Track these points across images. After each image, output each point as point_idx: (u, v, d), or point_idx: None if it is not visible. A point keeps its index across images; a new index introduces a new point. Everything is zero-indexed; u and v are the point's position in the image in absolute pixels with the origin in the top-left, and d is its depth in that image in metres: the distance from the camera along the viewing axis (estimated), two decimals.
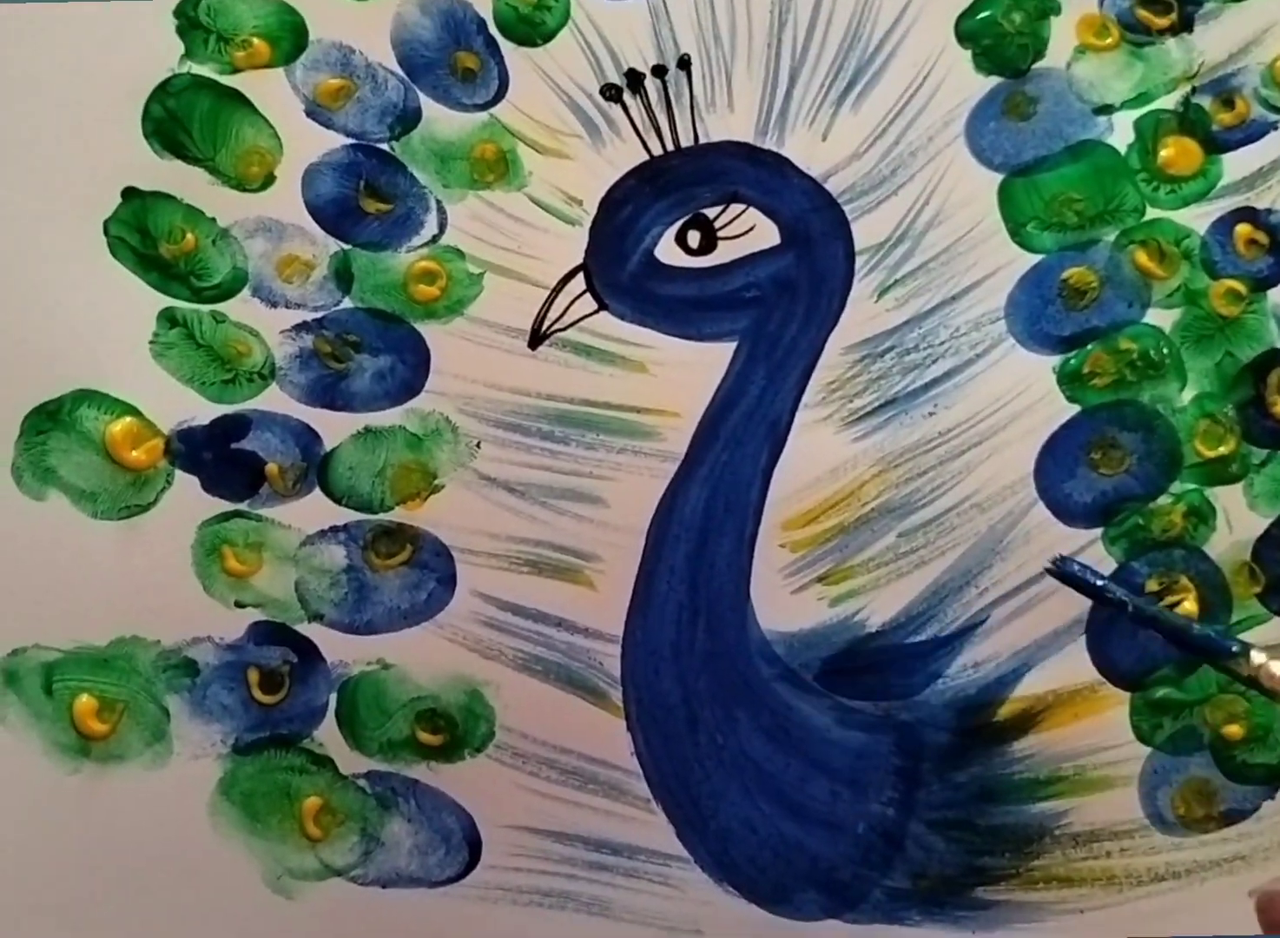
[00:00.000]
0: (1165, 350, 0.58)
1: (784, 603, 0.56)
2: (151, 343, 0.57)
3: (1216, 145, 0.60)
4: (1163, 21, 0.60)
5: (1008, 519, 0.57)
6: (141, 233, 0.56)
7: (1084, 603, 0.56)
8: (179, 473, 0.56)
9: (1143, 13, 0.59)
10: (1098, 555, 0.57)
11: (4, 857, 0.55)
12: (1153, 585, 0.56)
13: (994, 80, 0.59)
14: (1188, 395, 0.58)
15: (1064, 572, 0.53)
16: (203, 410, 0.57)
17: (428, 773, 0.56)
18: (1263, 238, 0.59)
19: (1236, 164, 0.60)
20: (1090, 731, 0.57)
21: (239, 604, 0.55)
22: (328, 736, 0.56)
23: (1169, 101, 0.59)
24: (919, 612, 0.56)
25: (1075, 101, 0.59)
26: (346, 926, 0.55)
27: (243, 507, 0.56)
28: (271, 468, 0.55)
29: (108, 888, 0.55)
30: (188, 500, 0.56)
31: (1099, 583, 0.52)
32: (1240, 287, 0.58)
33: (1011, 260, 0.59)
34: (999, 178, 0.59)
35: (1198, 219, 0.60)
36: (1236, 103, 0.60)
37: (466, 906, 0.55)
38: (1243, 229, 0.59)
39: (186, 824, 0.55)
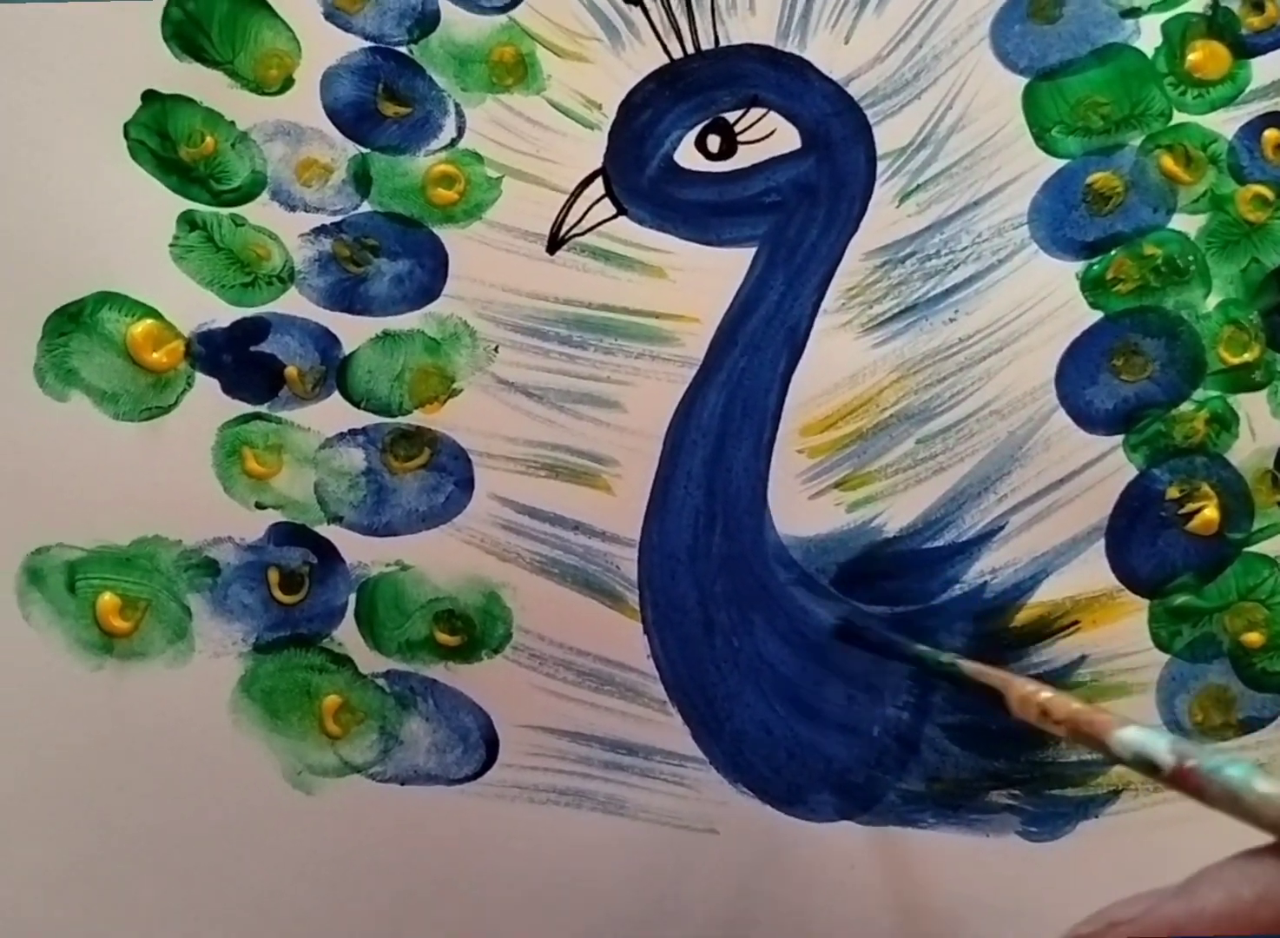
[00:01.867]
0: (1190, 256, 0.57)
1: (801, 508, 0.56)
2: (172, 246, 0.56)
3: (1245, 49, 0.59)
4: None
5: (1027, 426, 0.56)
6: (161, 136, 0.56)
7: (1104, 509, 0.55)
8: (199, 375, 0.56)
9: None
10: (1119, 462, 0.56)
11: (29, 753, 0.55)
12: (1173, 492, 0.56)
13: None
14: (1212, 302, 0.58)
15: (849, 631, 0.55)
16: (223, 313, 0.57)
17: (446, 673, 0.56)
18: None
19: (1266, 68, 0.58)
20: (1108, 637, 0.56)
21: (259, 505, 0.56)
22: (347, 635, 0.56)
23: (1197, 4, 0.58)
24: (937, 518, 0.56)
25: (1102, 4, 0.58)
26: (365, 821, 0.56)
27: (262, 409, 0.56)
28: (291, 371, 0.55)
29: (130, 783, 0.56)
30: (208, 402, 0.56)
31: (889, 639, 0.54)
32: (1268, 192, 0.58)
33: (1035, 165, 0.58)
34: (1024, 81, 0.58)
35: (1225, 124, 0.59)
36: (1266, 6, 0.59)
37: (483, 803, 0.56)
38: (1271, 134, 0.58)
39: (208, 721, 0.56)
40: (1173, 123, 0.59)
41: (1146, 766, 0.36)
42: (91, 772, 0.56)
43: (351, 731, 0.56)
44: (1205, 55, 0.59)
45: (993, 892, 0.56)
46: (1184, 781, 0.35)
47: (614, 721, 0.56)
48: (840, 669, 0.55)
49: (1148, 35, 0.58)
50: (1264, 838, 0.32)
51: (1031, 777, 0.56)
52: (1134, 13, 0.58)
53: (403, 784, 0.57)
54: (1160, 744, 0.36)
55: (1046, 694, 0.42)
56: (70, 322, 0.56)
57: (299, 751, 0.56)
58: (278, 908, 0.56)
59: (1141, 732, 0.37)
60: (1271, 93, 0.58)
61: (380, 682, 0.56)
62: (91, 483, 0.56)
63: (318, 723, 0.56)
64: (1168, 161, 0.57)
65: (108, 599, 0.55)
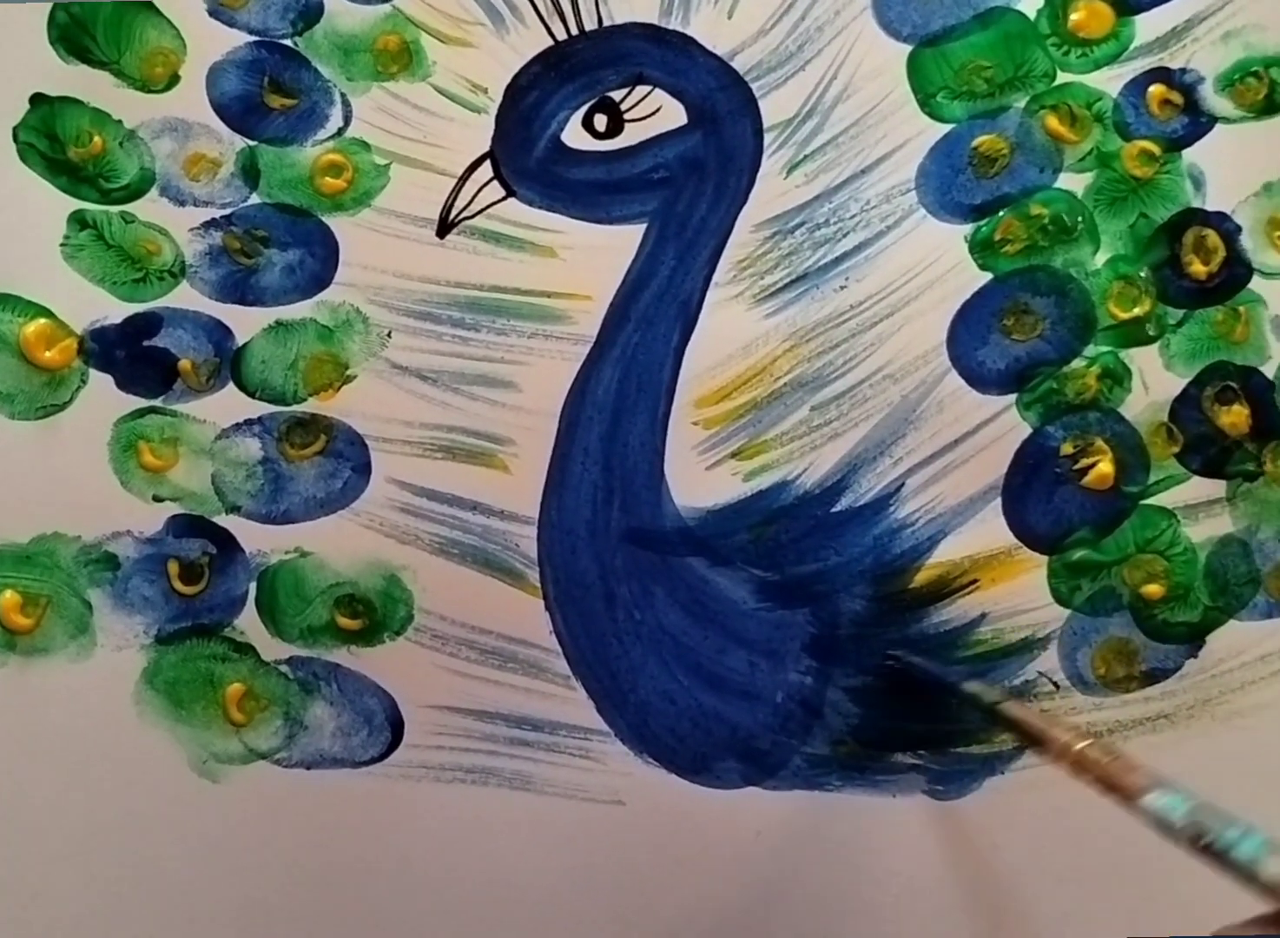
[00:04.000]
0: (1078, 214, 0.57)
1: (699, 480, 0.57)
2: (62, 245, 0.57)
3: (1128, 7, 0.59)
4: None
5: (921, 389, 0.57)
6: (50, 138, 0.57)
7: (999, 469, 0.56)
8: (93, 372, 0.57)
9: None
10: (1012, 421, 0.57)
11: None
12: (1068, 449, 0.56)
13: None
14: (1101, 258, 0.58)
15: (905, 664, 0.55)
16: (115, 310, 0.57)
17: (348, 657, 0.56)
18: (1177, 97, 0.59)
19: (1149, 25, 0.59)
20: (1008, 594, 0.57)
21: (157, 498, 0.56)
22: (248, 623, 0.57)
23: None
24: (833, 483, 0.57)
25: None
26: (272, 807, 0.56)
27: (157, 403, 0.57)
28: (185, 364, 0.56)
29: (37, 778, 0.56)
30: (103, 398, 0.57)
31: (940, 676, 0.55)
32: (1154, 147, 0.58)
33: (921, 131, 0.59)
34: (907, 49, 0.58)
35: (1110, 82, 0.59)
36: None
37: (390, 784, 0.56)
38: (1156, 90, 0.59)
39: (112, 714, 0.56)
40: (1057, 83, 0.59)
41: (1167, 832, 0.39)
42: None
43: (256, 718, 0.56)
44: (1088, 14, 0.59)
45: (902, 852, 0.56)
46: (1200, 853, 0.37)
47: (518, 697, 0.57)
48: (741, 637, 0.56)
49: None
50: None
51: (936, 736, 0.56)
52: None
53: (309, 769, 0.57)
54: (1177, 814, 0.38)
55: (1082, 746, 0.44)
56: None
57: (204, 739, 0.56)
58: (188, 896, 0.56)
59: (1161, 798, 0.39)
60: (1156, 49, 0.59)
61: (283, 668, 0.56)
62: None
63: (222, 712, 0.57)
64: (1052, 121, 0.58)
65: (8, 597, 0.56)
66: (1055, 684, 0.55)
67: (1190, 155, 0.59)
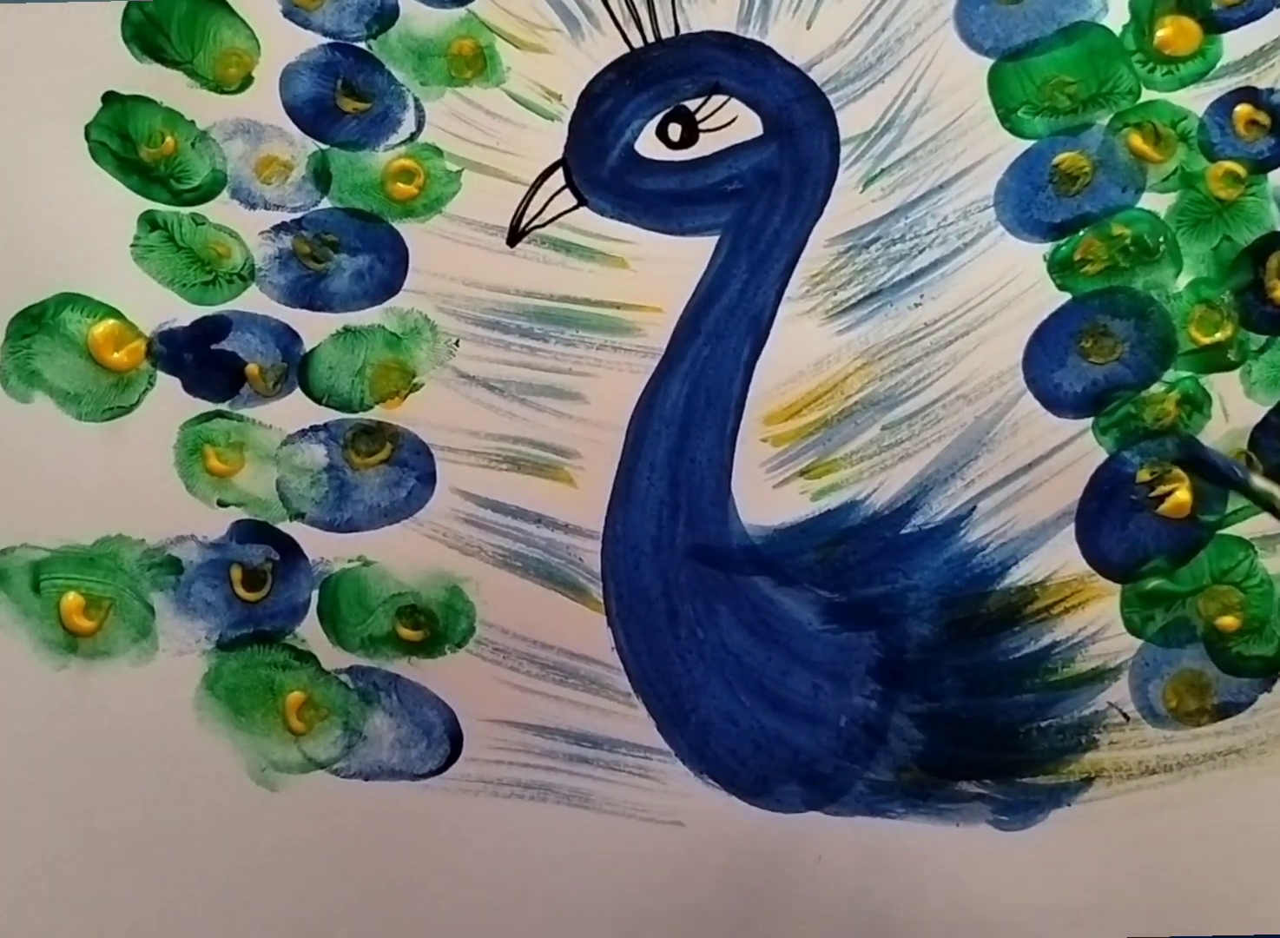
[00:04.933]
0: (1160, 235, 0.56)
1: (766, 497, 0.56)
2: (133, 246, 0.57)
3: (1216, 24, 0.58)
4: None
5: (995, 410, 0.56)
6: (122, 137, 0.57)
7: (1074, 494, 0.55)
8: (161, 374, 0.57)
9: None
10: (1088, 446, 0.56)
11: None
12: (1144, 475, 0.55)
13: None
14: (1183, 281, 0.57)
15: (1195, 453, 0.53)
16: (183, 312, 0.57)
17: (409, 668, 0.56)
18: (1264, 118, 0.58)
19: (1237, 43, 0.57)
20: (1079, 623, 0.56)
21: (221, 503, 0.56)
22: (310, 631, 0.56)
23: None
24: (903, 505, 0.56)
25: None
26: (329, 817, 0.56)
27: (224, 407, 0.56)
28: (252, 368, 0.56)
29: (95, 781, 0.56)
30: (170, 401, 0.57)
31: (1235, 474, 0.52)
32: (1239, 169, 0.57)
33: (1001, 147, 0.57)
34: (989, 62, 0.57)
35: (1196, 100, 0.58)
36: None
37: (448, 798, 0.56)
38: (1243, 110, 0.58)
39: (172, 719, 0.56)
40: (1141, 101, 0.58)
41: None
42: (57, 770, 0.56)
43: (315, 727, 0.56)
44: (1174, 31, 0.58)
45: (964, 881, 0.55)
46: None
47: (578, 714, 0.56)
48: (806, 658, 0.55)
49: (1115, 12, 0.57)
50: None
51: (1002, 765, 0.55)
52: None
53: (367, 780, 0.57)
54: None
55: None
56: (32, 323, 0.56)
57: (263, 747, 0.56)
58: (243, 903, 0.56)
59: None
60: (1243, 68, 0.58)
61: (343, 678, 0.56)
62: (55, 483, 0.56)
63: (281, 720, 0.56)
64: (1136, 140, 0.57)
65: (71, 599, 0.55)
66: (1125, 716, 0.54)
67: (1276, 177, 0.58)
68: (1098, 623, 0.56)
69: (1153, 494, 0.55)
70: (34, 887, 0.56)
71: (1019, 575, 0.56)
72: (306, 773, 0.56)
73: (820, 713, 0.55)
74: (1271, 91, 0.57)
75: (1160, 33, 0.57)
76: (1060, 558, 0.56)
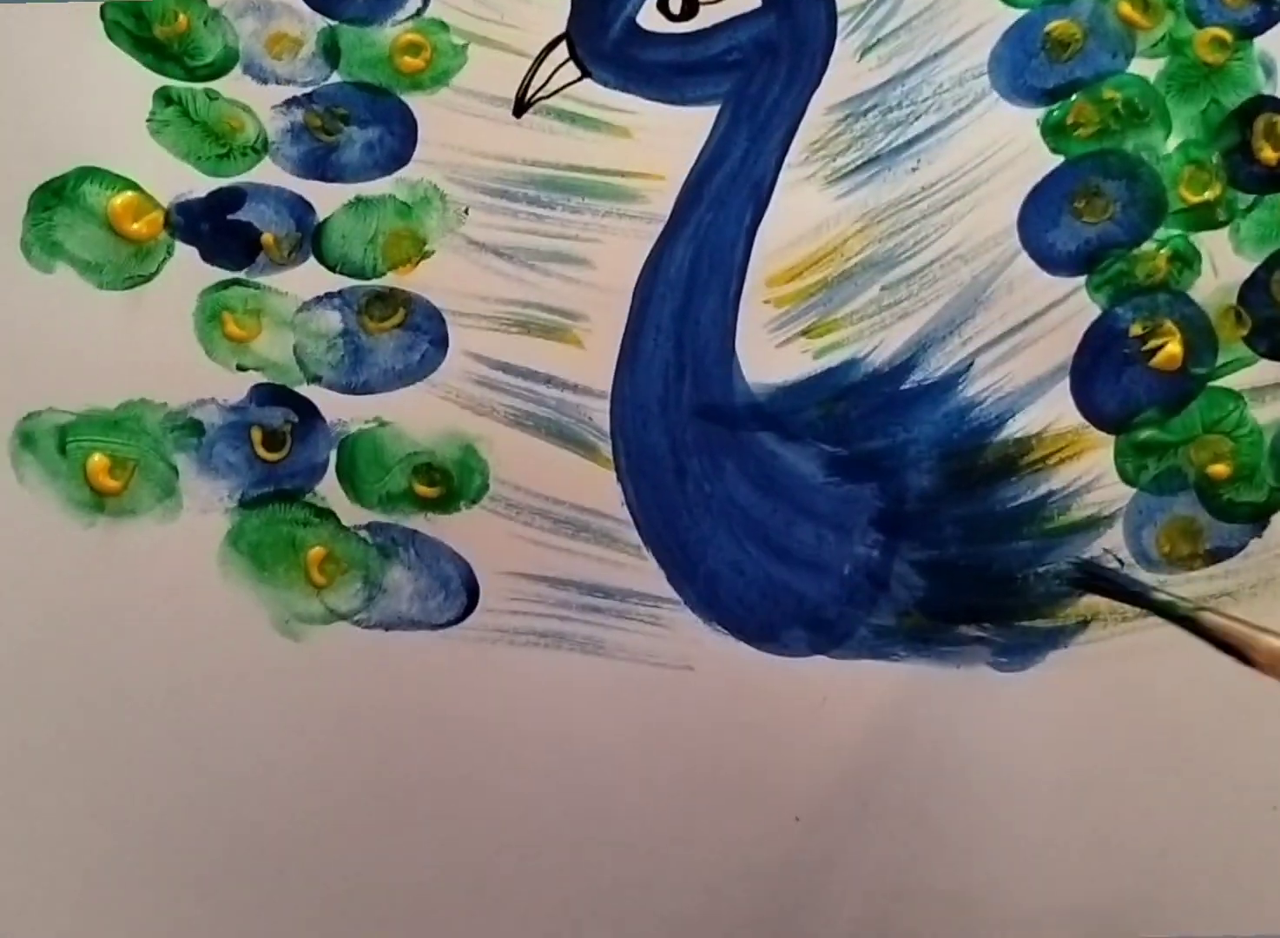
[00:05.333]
0: (1150, 98, 0.57)
1: (769, 357, 0.58)
2: (149, 121, 0.58)
3: None
4: None
5: (991, 269, 0.57)
6: (136, 15, 0.58)
7: (1068, 349, 0.56)
8: (179, 244, 0.58)
9: None
10: (1081, 303, 0.57)
11: (27, 607, 0.58)
12: (1136, 330, 0.57)
13: None
14: (1173, 143, 0.58)
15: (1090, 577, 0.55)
16: (200, 184, 0.58)
17: (426, 524, 0.58)
18: None
19: None
20: (1074, 473, 0.58)
21: (240, 367, 0.58)
22: (329, 490, 0.58)
23: None
24: (903, 362, 0.57)
25: None
26: (352, 666, 0.58)
27: (241, 275, 0.58)
28: (267, 238, 0.57)
29: (124, 635, 0.58)
30: (188, 270, 0.58)
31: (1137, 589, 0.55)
32: (1226, 34, 0.58)
33: (995, 16, 0.59)
34: None
35: None
36: None
37: (465, 646, 0.58)
38: None
39: (197, 574, 0.58)
40: None
41: None
42: (87, 626, 0.58)
43: (336, 580, 0.58)
44: None
45: (964, 722, 0.57)
46: None
47: (590, 566, 0.58)
48: (810, 510, 0.57)
49: None
50: None
51: (1001, 609, 0.57)
52: None
53: (387, 630, 0.58)
54: None
55: None
56: (53, 196, 0.57)
57: (286, 600, 0.58)
58: (269, 754, 0.58)
59: None
60: None
61: (363, 533, 0.58)
62: (79, 350, 0.58)
63: (303, 574, 0.58)
64: (1125, 7, 0.58)
65: (98, 460, 0.57)
66: (1120, 561, 0.56)
67: (1262, 43, 0.59)
68: (1092, 473, 0.57)
69: (1145, 348, 0.57)
70: (65, 741, 0.58)
71: (1015, 428, 0.58)
72: (329, 624, 0.58)
73: (824, 562, 0.57)
74: None
75: None
76: (1055, 411, 0.58)
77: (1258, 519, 0.58)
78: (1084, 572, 0.54)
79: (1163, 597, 0.53)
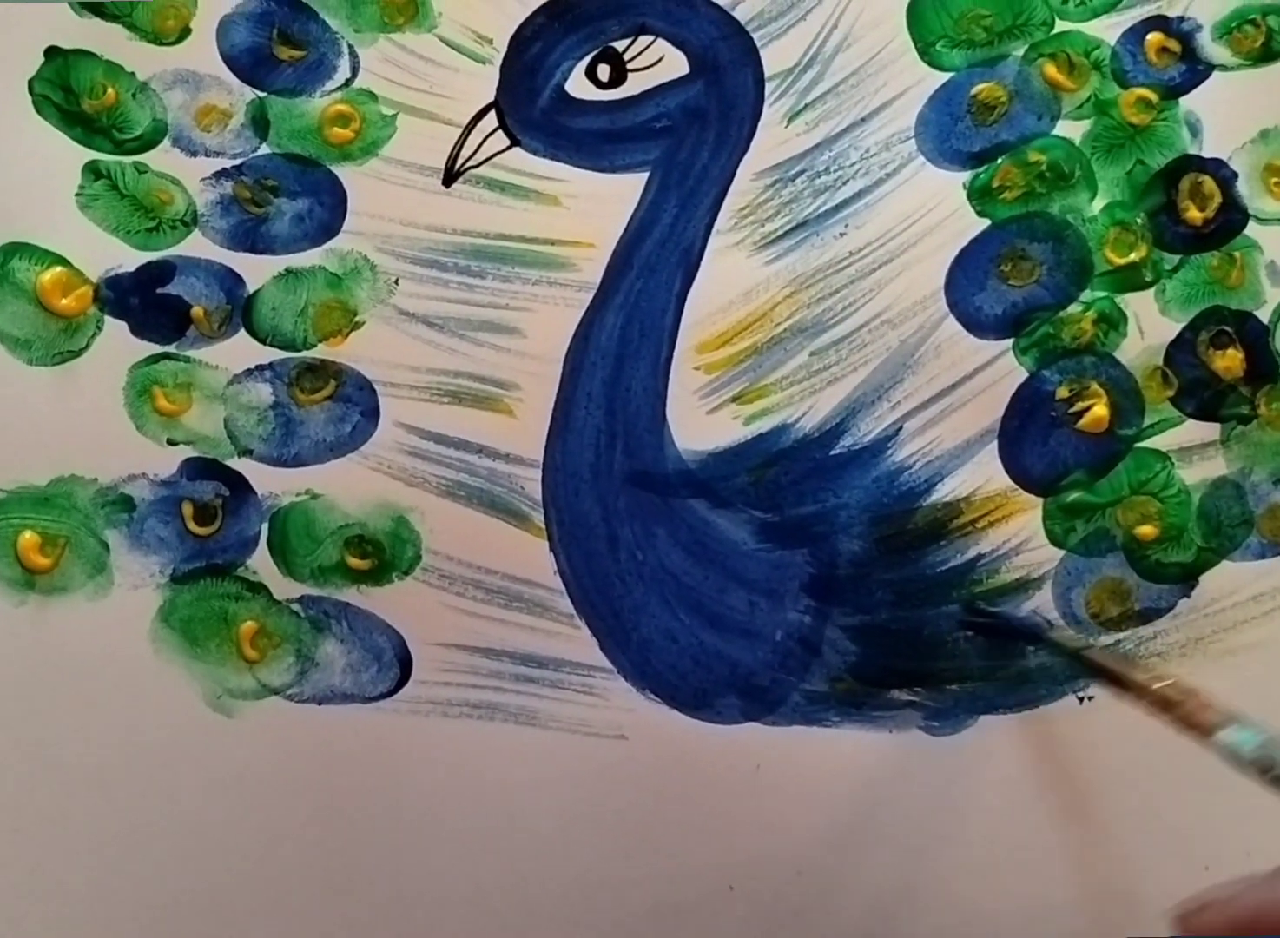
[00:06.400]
0: (1075, 161, 0.58)
1: (700, 423, 0.58)
2: (77, 195, 0.58)
3: None
4: None
5: (919, 334, 0.58)
6: (64, 90, 0.58)
7: (996, 412, 0.57)
8: (109, 318, 0.58)
9: None
10: (1008, 366, 0.58)
11: None
12: (1063, 392, 0.57)
13: None
14: (1098, 204, 0.59)
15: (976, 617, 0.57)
16: (129, 258, 0.58)
17: (358, 596, 0.58)
18: (1174, 45, 0.60)
19: None
20: (1003, 535, 0.58)
21: (171, 442, 0.58)
22: (261, 563, 0.58)
23: None
24: (832, 427, 0.58)
25: None
26: (285, 741, 0.58)
27: (171, 349, 0.58)
28: (197, 311, 0.58)
29: (55, 712, 0.58)
30: (118, 344, 0.58)
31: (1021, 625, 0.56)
32: (1151, 95, 0.59)
33: (920, 79, 0.59)
34: None
35: (1108, 29, 0.60)
36: None
37: (399, 719, 0.58)
38: (1154, 37, 0.60)
39: (129, 650, 0.58)
40: (1055, 31, 0.60)
41: (1237, 765, 0.42)
42: (17, 702, 0.58)
43: (268, 654, 0.58)
44: None
45: (897, 786, 0.57)
46: (1269, 784, 0.41)
47: (524, 635, 0.58)
48: (742, 577, 0.57)
49: None
50: None
51: (932, 673, 0.57)
52: None
53: (320, 704, 0.58)
54: (1248, 747, 0.42)
55: (1161, 686, 0.48)
56: None
57: (218, 675, 0.58)
58: (202, 826, 0.58)
59: (1235, 733, 0.43)
60: None
61: (295, 607, 0.58)
62: (9, 426, 0.58)
63: (236, 649, 0.58)
64: (1050, 69, 0.59)
65: (28, 537, 0.57)
66: (1049, 623, 0.56)
67: (1187, 102, 0.60)
68: (1021, 535, 0.58)
69: (1071, 410, 0.57)
70: None
71: (945, 492, 0.58)
72: (261, 699, 0.58)
73: (756, 628, 0.57)
74: (1181, 19, 0.59)
75: None
76: (984, 474, 0.58)
77: (1186, 580, 0.59)
78: (968, 612, 0.54)
79: (1054, 637, 0.54)
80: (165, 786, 0.58)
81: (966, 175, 0.59)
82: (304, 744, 0.58)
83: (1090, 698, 0.58)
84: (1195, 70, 0.60)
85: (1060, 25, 0.59)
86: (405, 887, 0.56)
